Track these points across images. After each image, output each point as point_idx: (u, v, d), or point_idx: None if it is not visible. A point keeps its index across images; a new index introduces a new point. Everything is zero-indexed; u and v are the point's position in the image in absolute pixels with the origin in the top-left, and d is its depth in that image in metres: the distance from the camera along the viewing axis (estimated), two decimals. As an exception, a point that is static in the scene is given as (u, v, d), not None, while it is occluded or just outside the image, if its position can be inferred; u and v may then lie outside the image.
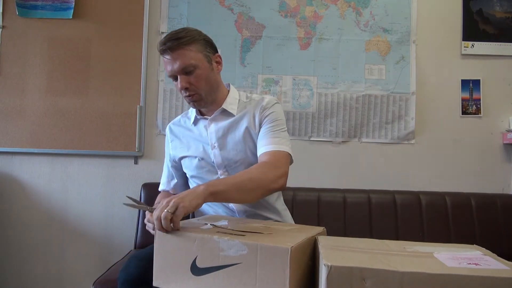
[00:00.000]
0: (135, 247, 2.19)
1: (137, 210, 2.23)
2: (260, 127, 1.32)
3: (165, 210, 0.92)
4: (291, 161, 1.30)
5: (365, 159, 2.34)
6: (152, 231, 1.07)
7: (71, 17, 2.30)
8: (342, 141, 2.35)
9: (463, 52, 2.36)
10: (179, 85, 1.26)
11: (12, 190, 2.34)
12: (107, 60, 2.31)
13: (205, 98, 1.30)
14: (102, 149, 2.31)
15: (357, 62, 2.34)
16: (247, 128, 1.32)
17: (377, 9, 2.34)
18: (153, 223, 0.95)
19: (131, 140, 2.31)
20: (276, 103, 1.36)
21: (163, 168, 1.51)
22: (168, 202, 0.94)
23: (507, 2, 2.34)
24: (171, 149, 1.45)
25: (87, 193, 2.34)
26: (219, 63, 1.35)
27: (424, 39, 2.35)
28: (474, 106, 2.35)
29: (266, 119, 1.32)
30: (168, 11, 2.35)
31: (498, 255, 0.82)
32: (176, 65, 1.24)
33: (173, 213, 0.92)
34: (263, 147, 1.27)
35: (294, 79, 2.34)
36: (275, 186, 1.18)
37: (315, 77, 2.34)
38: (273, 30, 2.32)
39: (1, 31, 2.30)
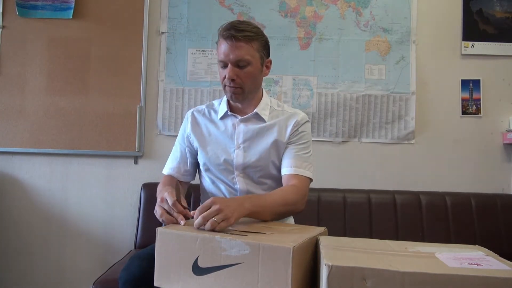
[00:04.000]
0: (135, 247, 2.19)
1: (137, 210, 2.23)
2: (288, 139, 1.35)
3: (214, 219, 0.95)
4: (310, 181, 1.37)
5: (365, 159, 2.34)
6: (160, 218, 1.07)
7: (71, 17, 2.30)
8: (342, 141, 2.35)
9: (463, 52, 2.36)
10: (226, 74, 1.27)
11: (12, 190, 2.33)
12: (107, 60, 2.31)
13: (245, 95, 1.31)
14: (102, 149, 2.30)
15: (357, 62, 2.34)
16: (276, 139, 1.34)
17: (377, 9, 2.34)
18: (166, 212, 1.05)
19: (131, 140, 2.31)
20: (308, 121, 1.41)
21: (173, 151, 1.46)
22: (219, 211, 0.96)
23: (507, 2, 2.34)
24: (193, 136, 1.41)
25: (87, 193, 2.34)
26: (268, 67, 1.37)
27: (424, 39, 2.35)
28: (474, 106, 2.35)
29: (297, 136, 1.35)
30: (168, 11, 2.35)
31: (499, 255, 0.82)
32: (233, 55, 1.25)
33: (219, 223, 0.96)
34: (292, 168, 1.31)
35: (294, 79, 2.34)
36: (297, 211, 1.28)
37: (315, 77, 2.34)
38: (273, 30, 2.32)
39: (1, 31, 2.30)
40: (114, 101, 2.31)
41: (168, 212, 1.06)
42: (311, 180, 1.35)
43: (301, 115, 1.39)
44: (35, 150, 2.30)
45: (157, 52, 2.35)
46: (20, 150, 2.30)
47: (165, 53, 2.35)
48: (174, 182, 1.38)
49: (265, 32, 2.27)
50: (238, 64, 1.26)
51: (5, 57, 2.30)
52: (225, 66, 1.28)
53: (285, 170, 1.32)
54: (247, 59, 1.26)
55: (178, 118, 2.34)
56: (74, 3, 2.29)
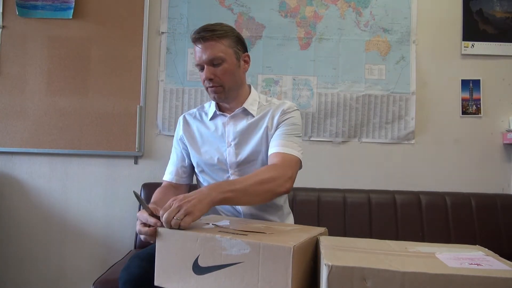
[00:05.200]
0: (135, 247, 2.19)
1: (137, 210, 2.23)
2: (276, 128, 1.33)
3: (175, 218, 0.92)
4: (300, 167, 1.31)
5: (365, 159, 2.34)
6: (141, 229, 1.01)
7: (71, 17, 2.30)
8: (342, 141, 2.35)
9: (463, 52, 2.36)
10: (204, 75, 1.28)
11: (12, 190, 2.33)
12: (107, 60, 2.31)
13: (226, 92, 1.31)
14: (102, 149, 2.30)
15: (357, 62, 2.34)
16: (265, 130, 1.33)
17: (377, 9, 2.34)
18: (145, 222, 0.99)
19: (131, 140, 2.31)
20: (296, 109, 1.39)
21: (170, 156, 1.48)
22: (179, 207, 0.94)
23: (507, 2, 2.34)
24: (185, 139, 1.42)
25: (87, 193, 2.34)
26: (246, 62, 1.37)
27: (424, 39, 2.35)
28: (474, 106, 2.35)
29: (284, 122, 1.33)
30: (168, 11, 2.35)
31: (499, 255, 0.82)
32: (205, 56, 1.26)
33: (182, 219, 0.93)
34: (275, 148, 1.28)
35: (294, 79, 2.34)
36: (282, 190, 1.19)
37: (315, 77, 2.34)
38: (273, 30, 2.32)
39: (1, 31, 2.30)
40: (114, 101, 2.31)
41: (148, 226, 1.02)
42: (299, 160, 1.29)
43: (288, 104, 1.38)
44: (35, 150, 2.30)
45: (157, 52, 2.35)
46: (20, 150, 2.30)
47: (165, 53, 2.35)
48: (166, 192, 1.35)
49: (265, 32, 2.31)
50: (213, 63, 1.27)
51: (5, 57, 2.30)
52: (202, 69, 1.29)
53: (270, 150, 1.30)
54: (220, 56, 1.26)
55: (178, 118, 2.33)
56: (74, 3, 2.29)
